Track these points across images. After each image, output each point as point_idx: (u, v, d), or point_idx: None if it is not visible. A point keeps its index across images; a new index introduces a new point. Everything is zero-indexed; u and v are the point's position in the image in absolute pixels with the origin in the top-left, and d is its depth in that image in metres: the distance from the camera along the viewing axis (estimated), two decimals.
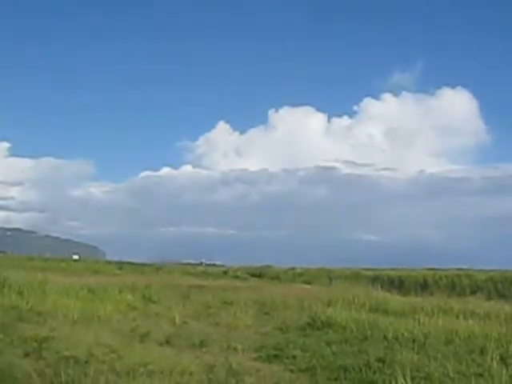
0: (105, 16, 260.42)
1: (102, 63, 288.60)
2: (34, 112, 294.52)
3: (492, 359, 15.49)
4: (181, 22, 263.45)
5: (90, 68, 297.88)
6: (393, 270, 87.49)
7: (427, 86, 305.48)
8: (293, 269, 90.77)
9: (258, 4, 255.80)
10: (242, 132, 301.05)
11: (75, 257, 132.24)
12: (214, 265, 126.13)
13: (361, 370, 15.03)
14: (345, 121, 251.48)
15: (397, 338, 19.78)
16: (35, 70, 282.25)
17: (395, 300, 33.82)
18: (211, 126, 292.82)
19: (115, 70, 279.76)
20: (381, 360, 15.85)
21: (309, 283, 64.89)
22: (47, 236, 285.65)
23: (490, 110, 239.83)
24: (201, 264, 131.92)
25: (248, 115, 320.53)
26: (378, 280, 66.55)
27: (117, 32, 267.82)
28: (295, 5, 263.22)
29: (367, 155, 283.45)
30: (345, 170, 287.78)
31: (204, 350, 18.33)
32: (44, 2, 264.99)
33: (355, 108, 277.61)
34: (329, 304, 30.05)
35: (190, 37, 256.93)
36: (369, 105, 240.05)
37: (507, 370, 14.27)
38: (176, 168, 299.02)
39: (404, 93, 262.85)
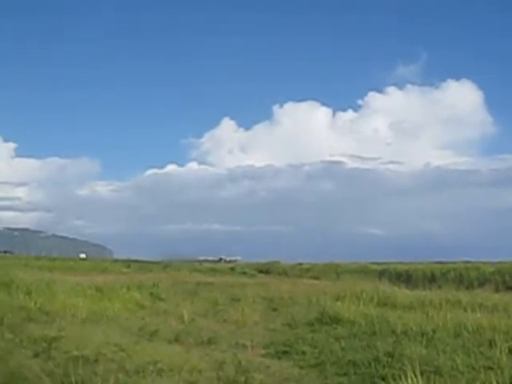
0: (109, 14, 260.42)
1: (105, 62, 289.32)
2: (39, 112, 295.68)
3: (501, 352, 15.45)
4: (185, 19, 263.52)
5: (94, 67, 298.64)
6: (400, 263, 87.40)
7: (432, 78, 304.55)
8: (300, 264, 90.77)
9: (261, 1, 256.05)
10: (247, 128, 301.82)
11: (82, 256, 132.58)
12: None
13: (370, 364, 15.04)
14: (350, 115, 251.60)
15: (405, 332, 19.74)
16: (39, 69, 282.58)
17: (403, 294, 33.73)
18: (216, 123, 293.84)
19: (119, 69, 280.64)
20: (390, 354, 15.83)
21: (316, 278, 64.77)
22: (54, 235, 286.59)
23: (496, 101, 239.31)
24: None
25: (253, 111, 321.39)
26: (385, 274, 66.71)
27: (120, 30, 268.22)
28: (298, 1, 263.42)
29: (373, 149, 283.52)
30: (351, 164, 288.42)
31: (213, 347, 18.37)
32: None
33: (360, 102, 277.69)
34: (337, 299, 29.98)
35: (194, 34, 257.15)
36: (373, 98, 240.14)
37: None
38: (181, 165, 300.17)
39: (408, 86, 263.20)
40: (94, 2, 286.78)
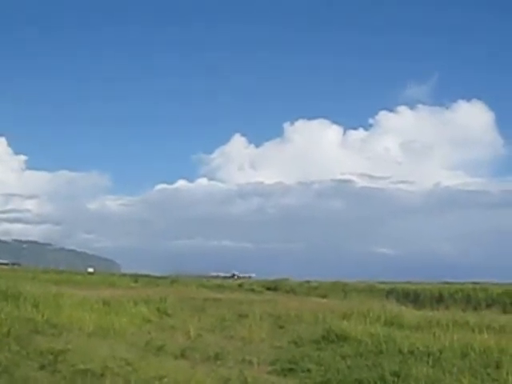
0: (118, 28, 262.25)
1: (117, 76, 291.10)
2: (49, 125, 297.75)
3: (507, 373, 15.42)
4: (195, 36, 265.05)
5: (106, 81, 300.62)
6: (408, 283, 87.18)
7: (443, 98, 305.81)
8: (308, 282, 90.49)
9: (274, 18, 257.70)
10: (258, 145, 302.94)
11: (90, 269, 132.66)
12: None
13: (376, 383, 15.00)
14: (360, 133, 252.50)
15: (412, 352, 19.67)
16: (51, 83, 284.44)
17: (410, 313, 33.64)
18: (226, 139, 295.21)
19: (131, 84, 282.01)
20: (396, 374, 15.78)
21: (324, 296, 64.55)
22: (63, 249, 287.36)
23: (507, 122, 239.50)
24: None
25: (263, 128, 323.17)
26: (392, 293, 66.40)
27: (133, 45, 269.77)
28: (311, 19, 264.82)
29: (383, 168, 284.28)
30: (361, 182, 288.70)
31: (219, 363, 18.35)
32: (68, 13, 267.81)
33: (371, 121, 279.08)
34: (344, 317, 29.91)
35: (206, 50, 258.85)
36: (384, 117, 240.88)
37: None
38: (191, 181, 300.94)
39: (419, 105, 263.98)
40: (94, 21, 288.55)
